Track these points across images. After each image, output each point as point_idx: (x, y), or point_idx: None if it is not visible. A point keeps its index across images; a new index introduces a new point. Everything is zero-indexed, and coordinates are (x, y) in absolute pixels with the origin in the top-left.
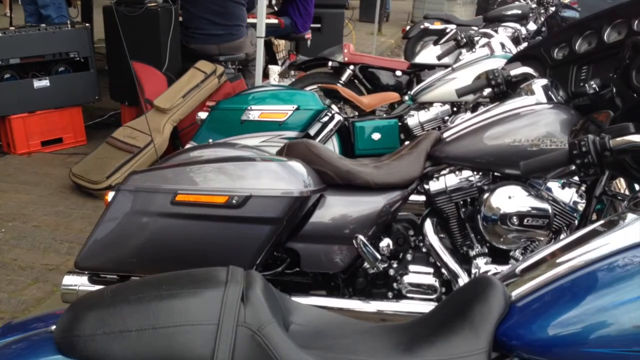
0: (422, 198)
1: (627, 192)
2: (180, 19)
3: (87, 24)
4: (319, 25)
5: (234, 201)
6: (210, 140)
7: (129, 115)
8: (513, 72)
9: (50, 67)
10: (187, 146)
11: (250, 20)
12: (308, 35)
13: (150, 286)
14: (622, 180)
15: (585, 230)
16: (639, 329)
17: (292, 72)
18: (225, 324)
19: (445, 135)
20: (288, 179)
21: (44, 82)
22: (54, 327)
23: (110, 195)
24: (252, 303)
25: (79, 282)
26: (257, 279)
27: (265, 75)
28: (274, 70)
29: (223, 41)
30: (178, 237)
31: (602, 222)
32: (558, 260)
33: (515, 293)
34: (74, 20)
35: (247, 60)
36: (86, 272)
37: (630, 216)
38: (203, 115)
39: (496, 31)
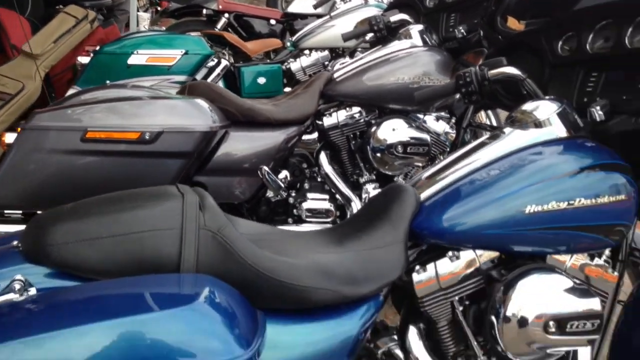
0: (313, 136)
1: (487, 122)
2: None
3: None
4: None
5: (146, 137)
6: (108, 82)
7: None
8: (392, 19)
9: None
10: (71, 91)
11: None
12: None
13: (110, 201)
14: (482, 113)
15: (475, 143)
16: (521, 212)
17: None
18: (188, 228)
19: (335, 75)
20: (197, 115)
21: None
22: (15, 242)
23: (8, 136)
24: (208, 210)
25: None
26: (205, 193)
27: None
28: (144, 17)
29: None
30: (88, 174)
31: (487, 136)
32: (456, 167)
33: (423, 195)
34: None
35: (113, 6)
36: None
37: (508, 129)
38: (84, 60)
39: None
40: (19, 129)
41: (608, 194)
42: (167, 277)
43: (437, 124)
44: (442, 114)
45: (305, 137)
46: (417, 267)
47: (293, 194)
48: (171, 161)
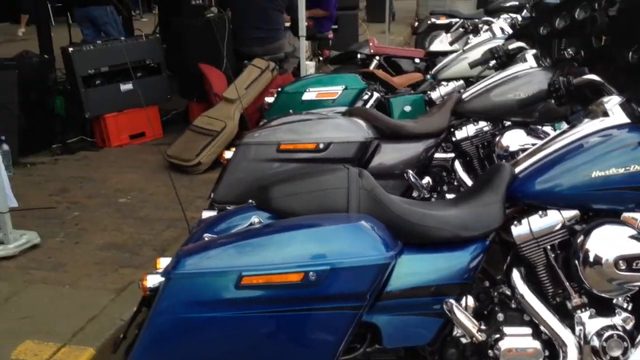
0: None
1: None
2: (231, 25)
3: (157, 35)
4: (336, 26)
5: (320, 146)
6: (291, 111)
7: (196, 109)
8: (511, 47)
9: (131, 72)
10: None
11: (286, 24)
12: (330, 35)
13: (303, 174)
14: None
15: (559, 131)
16: (589, 177)
17: (328, 66)
18: (352, 187)
19: (464, 96)
20: (356, 129)
21: (129, 86)
22: (250, 200)
23: (227, 153)
24: (364, 177)
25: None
26: (363, 170)
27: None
28: (310, 65)
29: (266, 43)
30: (280, 175)
31: (569, 126)
32: (543, 148)
33: (518, 169)
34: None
35: (287, 57)
36: (217, 207)
37: (585, 120)
38: (270, 99)
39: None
40: (232, 148)
41: None
42: (340, 214)
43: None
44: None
45: (440, 154)
46: (515, 222)
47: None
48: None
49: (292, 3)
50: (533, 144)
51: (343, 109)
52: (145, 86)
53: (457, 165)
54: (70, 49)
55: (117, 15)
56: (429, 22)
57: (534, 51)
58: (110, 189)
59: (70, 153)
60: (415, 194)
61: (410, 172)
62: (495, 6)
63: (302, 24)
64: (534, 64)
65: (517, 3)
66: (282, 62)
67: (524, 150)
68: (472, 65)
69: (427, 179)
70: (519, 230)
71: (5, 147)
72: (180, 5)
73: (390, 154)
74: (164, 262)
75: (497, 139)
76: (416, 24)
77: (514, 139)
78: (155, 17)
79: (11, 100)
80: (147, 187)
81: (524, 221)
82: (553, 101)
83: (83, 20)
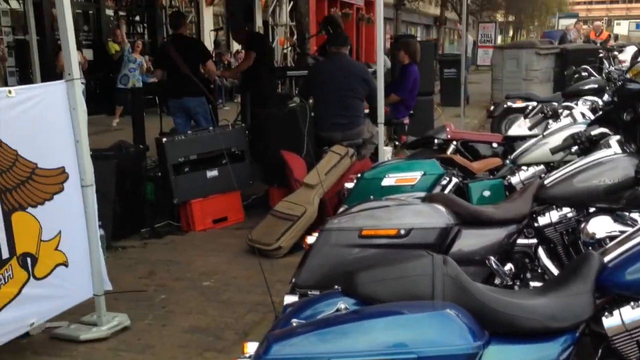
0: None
1: None
2: (312, 113)
3: (243, 124)
4: (411, 112)
5: (402, 232)
6: (372, 197)
7: (277, 194)
8: (593, 132)
9: (217, 160)
10: (341, 209)
11: (365, 111)
12: (406, 120)
13: (387, 260)
14: None
15: None
16: None
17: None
18: (437, 274)
19: (546, 182)
20: (437, 216)
21: (214, 172)
22: (336, 286)
23: (309, 238)
24: (449, 264)
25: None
26: (447, 257)
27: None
28: (387, 150)
29: (346, 129)
30: (361, 262)
31: None
32: (635, 235)
33: (607, 258)
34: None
35: (365, 143)
36: (299, 292)
37: None
38: (349, 185)
39: (576, 104)
40: (314, 232)
41: None
42: (426, 302)
43: None
44: None
45: (523, 240)
46: (606, 313)
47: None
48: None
49: (371, 92)
50: (621, 231)
51: (422, 194)
52: (229, 172)
53: (541, 252)
54: (164, 140)
55: (208, 104)
56: (505, 105)
57: (617, 137)
58: (195, 272)
59: (158, 237)
60: (497, 281)
61: (492, 258)
62: (573, 89)
63: (381, 112)
64: (619, 150)
65: (596, 86)
66: (360, 148)
67: (611, 237)
68: (554, 151)
69: (509, 266)
70: (610, 321)
71: (101, 232)
72: (264, 96)
73: (471, 240)
74: (251, 347)
75: (583, 225)
76: (492, 107)
77: (600, 226)
78: (238, 106)
79: (109, 189)
80: (230, 271)
81: (616, 312)
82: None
83: (177, 110)
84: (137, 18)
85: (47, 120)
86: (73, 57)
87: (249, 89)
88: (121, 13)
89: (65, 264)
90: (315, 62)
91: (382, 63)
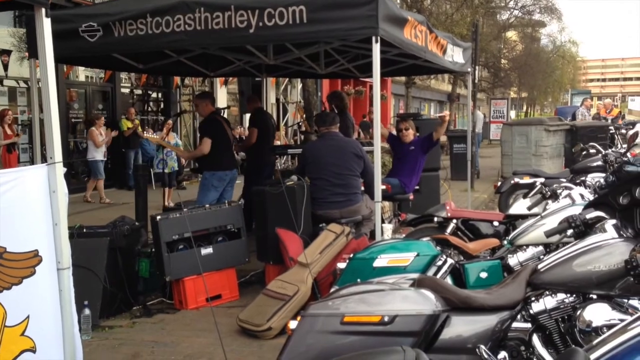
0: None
1: None
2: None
3: (239, 202)
4: (417, 187)
5: (385, 319)
6: (359, 280)
7: (273, 272)
8: (588, 216)
9: (212, 237)
10: (333, 289)
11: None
12: (411, 196)
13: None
14: None
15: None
16: None
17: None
18: None
19: (540, 266)
20: (424, 302)
21: (209, 250)
22: None
23: (292, 323)
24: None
25: None
26: (420, 352)
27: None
28: (388, 227)
29: (344, 207)
30: (343, 349)
31: None
32: (621, 332)
33: (593, 356)
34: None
35: (363, 220)
36: None
37: None
38: (342, 265)
39: (583, 181)
40: (299, 317)
41: None
42: None
43: None
44: None
45: (518, 324)
46: None
47: None
48: (404, 339)
49: (366, 167)
50: (620, 319)
51: (415, 275)
52: (225, 250)
53: (535, 339)
54: (158, 217)
55: None
56: (512, 181)
57: (613, 221)
58: (180, 354)
59: (149, 315)
60: None
61: (483, 347)
62: (581, 166)
63: (378, 189)
64: (615, 235)
65: (603, 163)
66: (358, 225)
67: (609, 326)
68: (548, 234)
69: (502, 354)
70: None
71: (87, 312)
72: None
73: (461, 327)
74: None
75: (579, 312)
76: (499, 183)
77: (597, 313)
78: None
79: (99, 267)
80: (216, 352)
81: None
82: (632, 279)
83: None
84: (153, 95)
85: (22, 204)
86: (56, 141)
87: (249, 165)
88: (137, 92)
89: (33, 350)
90: (307, 142)
91: (379, 143)
